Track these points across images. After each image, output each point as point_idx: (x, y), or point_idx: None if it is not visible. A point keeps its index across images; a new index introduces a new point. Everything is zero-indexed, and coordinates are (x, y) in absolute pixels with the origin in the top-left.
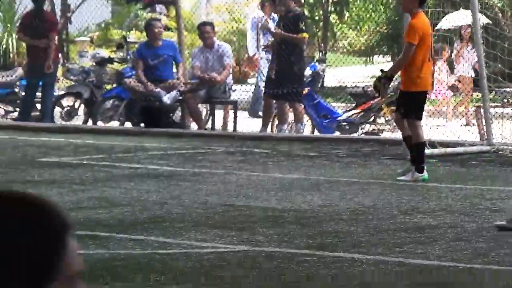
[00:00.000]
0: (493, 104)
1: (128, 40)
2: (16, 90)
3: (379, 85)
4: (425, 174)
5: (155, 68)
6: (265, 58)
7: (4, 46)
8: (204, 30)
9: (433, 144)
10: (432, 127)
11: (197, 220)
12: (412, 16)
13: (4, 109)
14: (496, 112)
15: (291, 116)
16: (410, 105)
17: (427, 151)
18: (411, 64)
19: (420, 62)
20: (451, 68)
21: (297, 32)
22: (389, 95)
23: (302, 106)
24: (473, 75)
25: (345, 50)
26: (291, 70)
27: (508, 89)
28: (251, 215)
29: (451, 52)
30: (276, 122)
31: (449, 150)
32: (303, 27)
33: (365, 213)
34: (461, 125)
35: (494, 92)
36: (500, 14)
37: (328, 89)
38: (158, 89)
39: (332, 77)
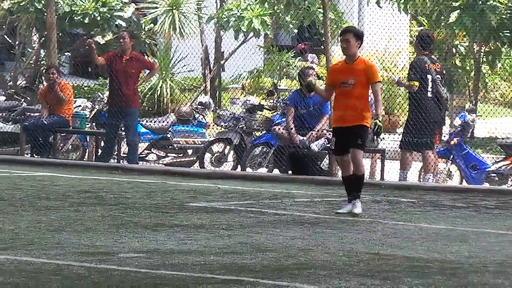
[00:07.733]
0: None
1: (278, 87)
2: (168, 135)
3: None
4: None
5: (304, 116)
6: None
7: (159, 92)
8: None
9: None
10: None
11: (341, 268)
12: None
13: (156, 154)
14: None
15: (440, 166)
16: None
17: None
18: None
19: None
20: None
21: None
22: None
23: (432, 155)
24: None
25: (496, 101)
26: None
27: None
28: (396, 264)
29: None
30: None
31: None
32: (412, 75)
33: None
34: None
35: None
36: None
37: (478, 139)
38: (303, 138)
39: (482, 127)
